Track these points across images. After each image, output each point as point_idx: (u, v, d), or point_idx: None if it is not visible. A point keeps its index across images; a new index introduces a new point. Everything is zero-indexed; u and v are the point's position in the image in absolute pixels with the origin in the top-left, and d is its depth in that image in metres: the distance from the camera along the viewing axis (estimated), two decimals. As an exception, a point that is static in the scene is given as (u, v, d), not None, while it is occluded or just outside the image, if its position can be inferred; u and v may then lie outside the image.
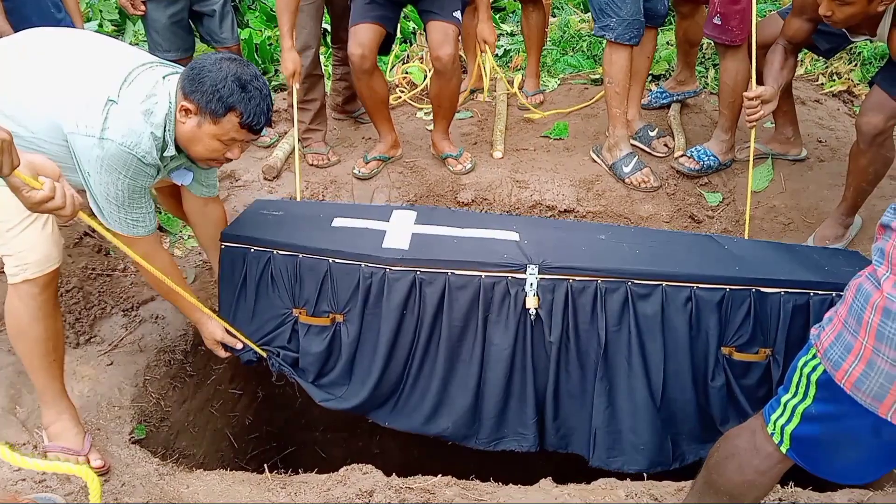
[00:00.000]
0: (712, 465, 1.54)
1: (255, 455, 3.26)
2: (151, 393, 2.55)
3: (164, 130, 1.89)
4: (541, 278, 2.13)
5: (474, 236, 2.31)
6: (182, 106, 1.87)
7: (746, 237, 2.69)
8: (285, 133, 3.56)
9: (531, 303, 2.12)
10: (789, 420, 1.36)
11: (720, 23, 2.91)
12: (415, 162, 3.29)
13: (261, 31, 4.62)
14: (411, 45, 4.62)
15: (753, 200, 2.97)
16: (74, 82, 1.86)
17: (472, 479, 2.21)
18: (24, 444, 2.16)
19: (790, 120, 3.14)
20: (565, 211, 3.03)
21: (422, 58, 4.32)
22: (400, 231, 2.31)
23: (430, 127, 3.50)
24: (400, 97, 3.94)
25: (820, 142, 3.36)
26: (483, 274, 2.14)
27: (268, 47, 4.46)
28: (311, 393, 2.34)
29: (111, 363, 2.54)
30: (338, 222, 2.38)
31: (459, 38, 3.07)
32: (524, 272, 2.13)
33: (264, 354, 2.37)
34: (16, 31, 2.86)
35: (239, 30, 3.54)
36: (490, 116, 3.71)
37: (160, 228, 3.08)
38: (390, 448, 3.52)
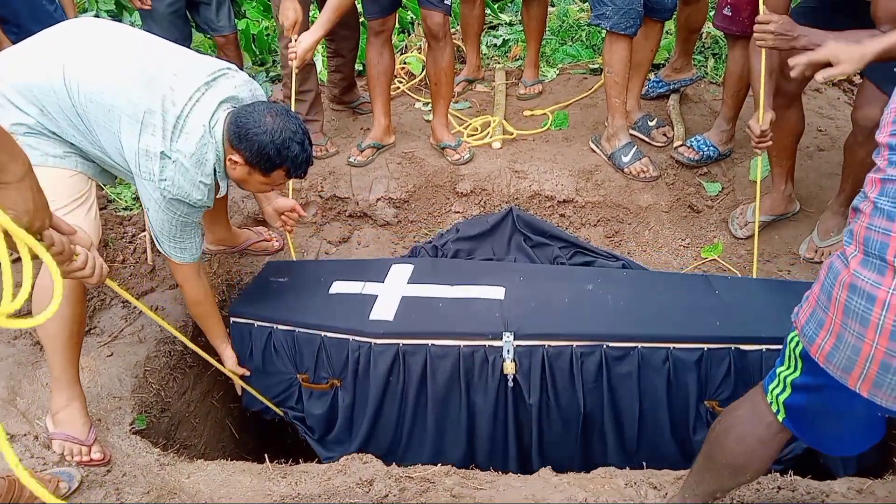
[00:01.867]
0: (712, 438, 1.58)
1: (257, 445, 3.27)
2: (152, 384, 2.55)
3: (215, 175, 2.05)
4: (517, 345, 2.23)
5: (460, 297, 2.44)
6: (231, 158, 2.01)
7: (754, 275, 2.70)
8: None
9: (508, 369, 2.21)
10: (783, 390, 1.42)
11: (730, 14, 2.90)
12: (413, 152, 3.28)
13: (258, 21, 4.60)
14: (409, 35, 4.60)
15: (753, 190, 2.97)
16: (135, 119, 1.94)
17: (471, 469, 2.23)
18: (25, 435, 2.16)
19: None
20: (564, 201, 3.03)
21: (419, 48, 4.31)
22: (390, 296, 2.47)
23: (429, 117, 3.49)
24: (398, 87, 3.93)
25: (819, 131, 3.36)
26: (462, 343, 2.26)
27: (265, 38, 4.44)
28: (317, 450, 2.55)
29: (111, 354, 2.55)
30: (335, 287, 2.56)
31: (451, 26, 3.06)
32: (501, 339, 2.23)
33: (280, 412, 2.61)
34: (2, 22, 2.87)
35: (236, 20, 3.51)
36: (488, 107, 3.70)
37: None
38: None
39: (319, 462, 2.31)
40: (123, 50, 2.02)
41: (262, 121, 1.95)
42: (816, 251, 2.86)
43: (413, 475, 2.05)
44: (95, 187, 2.16)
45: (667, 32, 4.07)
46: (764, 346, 2.17)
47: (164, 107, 1.93)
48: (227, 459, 2.93)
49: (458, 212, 3.10)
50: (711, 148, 3.13)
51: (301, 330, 2.43)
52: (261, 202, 2.67)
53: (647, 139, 3.31)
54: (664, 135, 3.31)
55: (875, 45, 1.80)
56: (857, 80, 3.78)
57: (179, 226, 2.11)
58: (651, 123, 3.32)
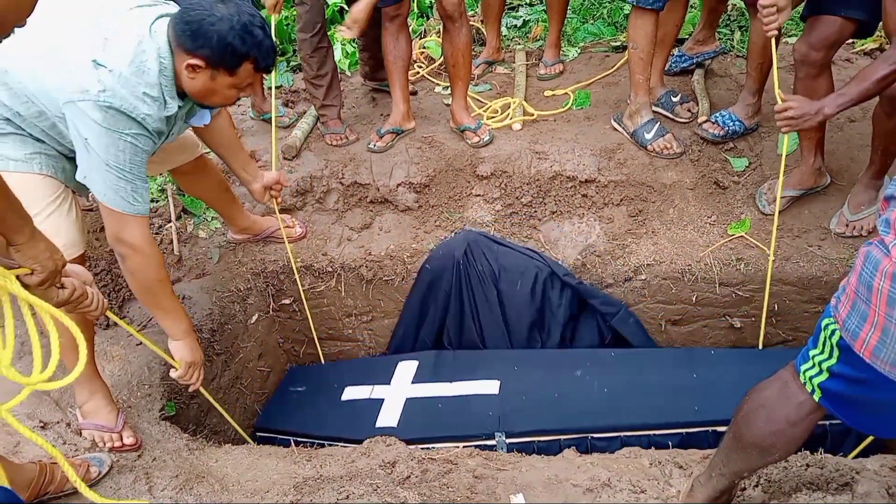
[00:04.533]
0: (740, 418, 1.54)
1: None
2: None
3: (161, 89, 1.84)
4: (509, 442, 2.43)
5: (458, 394, 2.68)
6: (188, 64, 1.81)
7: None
8: (304, 113, 3.56)
9: None
10: (818, 373, 1.37)
11: None
12: (433, 137, 3.27)
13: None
14: (428, 19, 4.57)
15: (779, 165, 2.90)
16: (55, 45, 1.79)
17: (494, 451, 2.23)
18: (58, 423, 2.23)
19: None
20: (586, 181, 2.99)
21: (438, 31, 4.27)
22: (396, 399, 2.73)
23: (448, 101, 3.47)
24: (418, 73, 3.91)
25: (850, 102, 3.25)
26: (460, 445, 2.36)
27: (285, 27, 4.45)
28: None
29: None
30: (347, 393, 2.83)
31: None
32: (494, 439, 2.44)
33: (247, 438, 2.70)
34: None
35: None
36: (509, 88, 3.66)
37: (184, 211, 3.13)
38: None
39: (345, 445, 2.32)
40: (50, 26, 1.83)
41: (213, 10, 1.75)
42: (847, 225, 2.78)
43: (435, 457, 2.06)
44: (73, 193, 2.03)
45: (691, 6, 3.98)
46: None
47: (91, 33, 1.79)
48: (255, 444, 3.00)
49: (478, 195, 3.08)
50: (737, 123, 3.06)
51: (316, 442, 2.64)
52: (247, 182, 2.57)
53: (670, 115, 3.24)
54: (688, 110, 3.24)
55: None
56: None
57: (129, 153, 1.81)
58: (675, 99, 3.26)
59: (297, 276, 2.90)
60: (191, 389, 2.27)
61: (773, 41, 2.45)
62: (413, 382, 2.77)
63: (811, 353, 1.38)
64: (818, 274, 2.76)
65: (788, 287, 2.79)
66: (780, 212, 2.74)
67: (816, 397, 1.38)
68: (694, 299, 2.86)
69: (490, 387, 2.66)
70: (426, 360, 2.89)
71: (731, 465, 1.64)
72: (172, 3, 1.97)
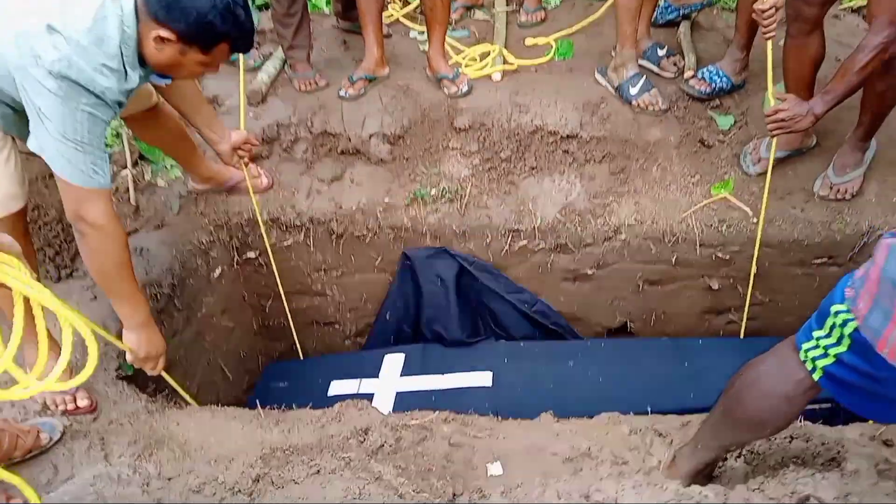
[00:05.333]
0: (732, 393, 1.48)
1: (251, 386, 3.22)
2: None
3: (121, 60, 1.67)
4: None
5: (451, 387, 2.65)
6: (157, 35, 1.65)
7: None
8: (270, 55, 3.35)
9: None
10: (822, 356, 1.29)
11: None
12: (408, 84, 3.10)
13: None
14: (404, -42, 4.32)
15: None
16: (6, 2, 1.63)
17: (470, 414, 2.16)
18: (6, 382, 2.08)
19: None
20: (568, 137, 2.87)
21: (415, -28, 4.04)
22: (386, 393, 2.66)
23: (425, 47, 3.29)
24: (392, 15, 3.70)
25: (838, 60, 3.16)
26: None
27: (251, -39, 4.17)
28: None
29: (94, 298, 2.44)
30: (334, 388, 2.75)
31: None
32: None
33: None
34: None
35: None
36: (488, 35, 3.49)
37: (141, 157, 2.93)
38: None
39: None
40: None
41: None
42: (832, 188, 2.73)
43: (410, 423, 1.98)
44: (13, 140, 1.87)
45: (679, -46, 3.82)
46: None
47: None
48: (219, 404, 2.89)
49: (455, 148, 2.94)
50: (724, 79, 2.95)
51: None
52: (212, 142, 2.41)
53: (656, 69, 3.12)
54: (674, 64, 3.12)
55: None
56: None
57: (87, 123, 1.65)
58: (661, 53, 3.13)
59: (263, 231, 2.76)
60: (151, 374, 2.14)
61: (770, 43, 2.38)
62: (402, 375, 2.73)
63: (815, 333, 1.30)
64: (800, 237, 2.72)
65: (770, 249, 2.75)
66: (764, 173, 2.67)
67: (816, 376, 1.31)
68: (674, 260, 2.81)
69: (483, 378, 2.65)
70: (414, 354, 2.85)
71: (718, 438, 1.59)
72: None
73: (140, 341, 2.01)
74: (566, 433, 1.94)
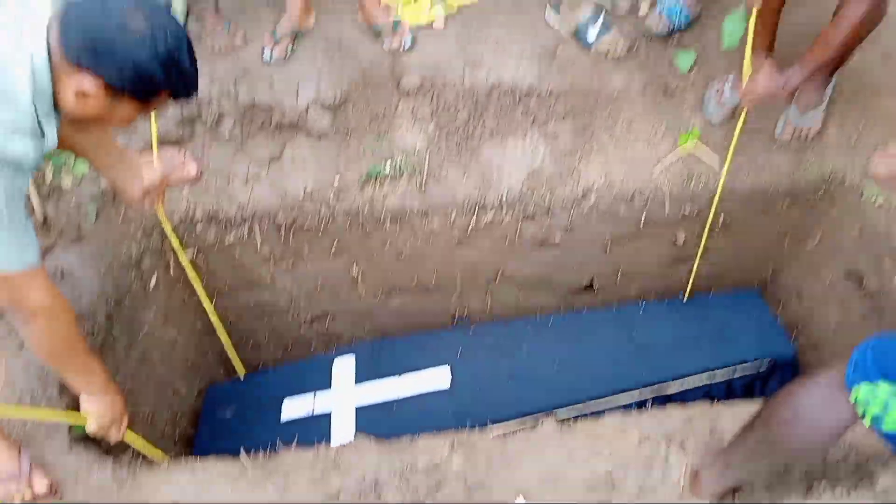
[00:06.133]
0: (775, 423, 1.46)
1: (204, 384, 3.00)
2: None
3: (35, 118, 1.32)
4: None
5: (409, 394, 2.55)
6: (80, 88, 1.31)
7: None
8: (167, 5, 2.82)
9: None
10: (883, 411, 1.25)
11: None
12: (339, 38, 2.71)
13: None
14: None
15: (726, 61, 2.69)
16: None
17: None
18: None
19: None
20: (527, 94, 2.64)
21: None
22: (344, 411, 2.50)
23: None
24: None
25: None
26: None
27: None
28: None
29: (22, 345, 2.10)
30: (287, 411, 2.55)
31: None
32: None
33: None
34: None
35: None
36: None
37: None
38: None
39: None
40: None
41: (126, 22, 1.28)
42: (794, 130, 2.67)
43: (417, 464, 1.86)
44: None
45: None
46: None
47: None
48: (175, 421, 2.68)
49: (405, 114, 2.65)
50: (683, 14, 2.75)
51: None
52: (120, 189, 1.98)
53: (608, 4, 2.87)
54: (628, -3, 2.88)
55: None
56: None
57: (3, 199, 1.31)
58: (614, -15, 2.87)
59: (180, 253, 2.43)
60: (113, 441, 1.89)
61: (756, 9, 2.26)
62: (357, 383, 2.58)
63: (882, 389, 1.24)
64: (764, 186, 2.68)
65: (735, 199, 2.71)
66: (728, 122, 2.57)
67: (867, 423, 1.29)
68: (642, 220, 2.72)
69: (441, 377, 2.59)
70: (363, 353, 2.71)
71: (752, 461, 1.58)
72: None
73: (104, 408, 1.78)
74: (579, 452, 1.88)
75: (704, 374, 2.67)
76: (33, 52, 1.27)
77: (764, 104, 2.37)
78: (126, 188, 1.99)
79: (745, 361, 2.72)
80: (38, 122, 1.34)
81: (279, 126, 2.62)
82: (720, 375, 2.70)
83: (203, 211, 2.54)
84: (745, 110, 2.45)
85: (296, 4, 2.64)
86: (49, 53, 1.29)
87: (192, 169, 2.50)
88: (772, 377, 2.79)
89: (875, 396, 1.28)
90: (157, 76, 1.33)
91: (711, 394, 2.70)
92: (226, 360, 3.13)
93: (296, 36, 2.68)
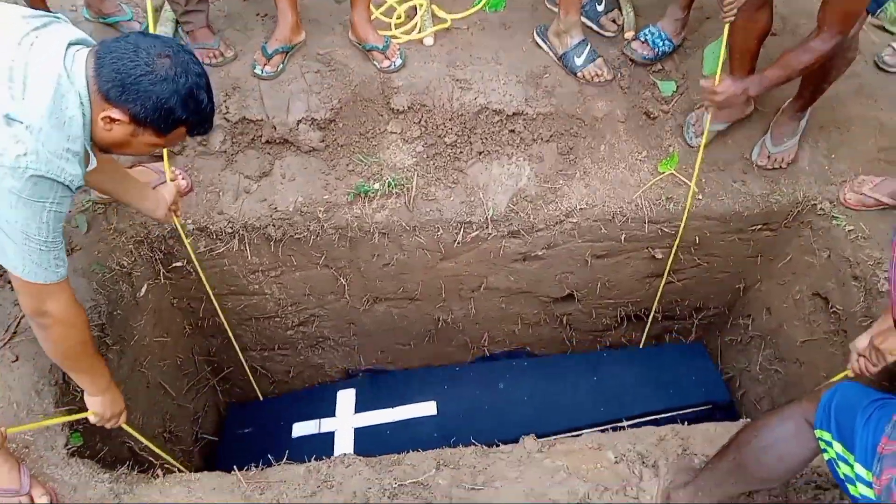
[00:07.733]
0: (746, 451, 1.59)
1: (194, 388, 3.06)
2: (76, 386, 2.19)
3: (83, 142, 1.48)
4: None
5: (401, 419, 2.94)
6: (107, 116, 1.46)
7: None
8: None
9: None
10: (837, 460, 1.38)
11: None
12: (331, 55, 2.76)
13: None
14: None
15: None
16: None
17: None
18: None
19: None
20: (514, 115, 2.71)
21: None
22: (345, 431, 2.92)
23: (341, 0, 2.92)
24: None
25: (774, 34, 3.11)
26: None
27: None
28: None
29: (16, 359, 2.14)
30: (297, 430, 2.97)
31: None
32: None
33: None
34: None
35: None
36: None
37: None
38: (333, 358, 3.41)
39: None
40: None
41: (153, 62, 1.44)
42: (769, 157, 2.79)
43: (405, 480, 1.95)
44: None
45: None
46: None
47: None
48: (167, 425, 2.73)
49: (395, 132, 2.71)
50: (666, 42, 2.85)
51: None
52: (151, 212, 2.20)
53: (595, 28, 2.95)
54: (613, 21, 2.97)
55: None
56: None
57: (53, 222, 1.49)
58: (599, 8, 2.95)
59: (190, 253, 2.49)
60: (111, 427, 2.03)
61: (728, 26, 2.34)
62: (357, 412, 2.96)
63: (856, 464, 1.33)
64: (740, 210, 2.79)
65: (710, 221, 2.82)
66: (704, 146, 2.67)
67: (827, 458, 1.43)
68: (622, 238, 2.82)
69: (428, 408, 2.96)
70: (363, 387, 3.10)
71: (723, 487, 1.71)
72: (62, 18, 1.54)
73: (105, 405, 1.95)
74: (559, 472, 1.98)
75: (655, 414, 2.95)
76: (79, 86, 1.43)
77: (720, 106, 2.48)
78: (155, 212, 2.19)
79: (690, 405, 3.03)
80: (85, 146, 1.50)
81: (269, 141, 2.67)
82: (668, 416, 2.96)
83: (192, 225, 2.58)
84: (709, 122, 2.57)
85: (287, 20, 2.68)
86: (88, 88, 1.45)
87: (181, 183, 2.57)
88: (711, 419, 2.98)
89: (831, 446, 1.41)
90: (177, 110, 1.49)
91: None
92: (213, 360, 3.20)
93: (287, 52, 2.72)
